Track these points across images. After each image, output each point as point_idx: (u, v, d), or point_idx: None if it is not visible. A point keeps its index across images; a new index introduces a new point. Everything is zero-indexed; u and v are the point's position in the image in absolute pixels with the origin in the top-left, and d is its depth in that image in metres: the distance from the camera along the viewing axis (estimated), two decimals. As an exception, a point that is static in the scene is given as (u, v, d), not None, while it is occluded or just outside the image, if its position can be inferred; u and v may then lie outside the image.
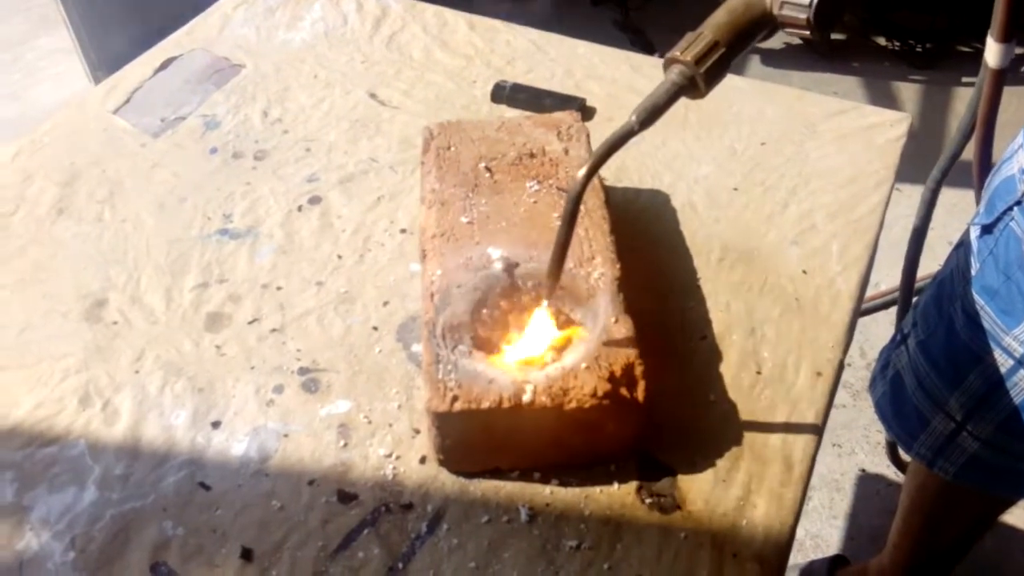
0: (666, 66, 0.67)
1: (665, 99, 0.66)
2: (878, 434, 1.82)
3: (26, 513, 0.72)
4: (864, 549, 1.62)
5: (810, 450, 0.76)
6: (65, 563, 0.68)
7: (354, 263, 0.93)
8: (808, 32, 0.67)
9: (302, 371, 0.82)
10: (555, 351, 0.74)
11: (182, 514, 0.71)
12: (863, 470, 1.79)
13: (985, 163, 1.09)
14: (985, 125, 1.06)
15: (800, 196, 1.00)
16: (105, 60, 2.56)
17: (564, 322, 0.77)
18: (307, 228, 0.97)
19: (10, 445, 0.76)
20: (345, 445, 0.76)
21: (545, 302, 0.75)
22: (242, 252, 0.94)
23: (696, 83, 0.66)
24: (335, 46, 1.25)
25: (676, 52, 0.66)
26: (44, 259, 0.94)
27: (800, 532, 1.67)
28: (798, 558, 1.64)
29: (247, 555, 0.68)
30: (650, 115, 0.66)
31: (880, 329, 1.90)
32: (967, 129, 1.08)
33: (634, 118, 0.66)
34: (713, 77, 0.66)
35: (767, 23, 0.68)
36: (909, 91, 2.71)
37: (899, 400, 1.09)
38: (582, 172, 0.67)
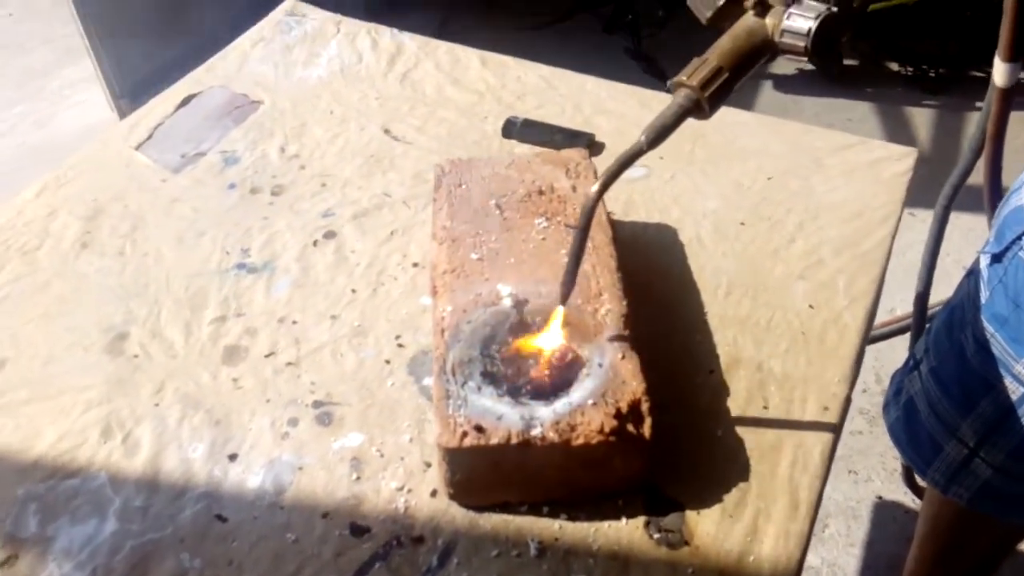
0: (673, 89, 0.71)
1: (672, 120, 0.70)
2: (894, 461, 1.81)
3: (49, 544, 0.74)
4: (881, 578, 1.61)
5: (817, 486, 0.77)
6: (86, 594, 0.70)
7: (367, 297, 0.95)
8: (806, 59, 0.70)
9: (316, 404, 0.84)
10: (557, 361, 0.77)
11: (199, 546, 0.73)
12: (880, 497, 1.78)
13: (996, 179, 1.10)
14: (994, 142, 1.07)
15: (807, 230, 1.01)
16: (127, 89, 2.63)
17: (571, 359, 0.78)
18: (322, 262, 0.99)
19: (34, 477, 0.79)
20: (358, 478, 0.78)
21: (560, 307, 0.78)
22: (259, 286, 0.96)
23: (701, 106, 0.70)
24: (350, 83, 1.28)
25: (683, 77, 0.70)
26: (68, 292, 0.96)
27: (816, 560, 1.66)
28: (814, 586, 1.63)
29: (262, 587, 0.70)
30: (658, 135, 0.70)
31: (895, 355, 1.89)
32: (977, 146, 1.09)
33: (643, 138, 0.70)
34: (717, 100, 0.70)
35: (768, 50, 0.72)
36: (922, 116, 2.72)
37: (912, 426, 1.10)
38: (594, 188, 0.71)
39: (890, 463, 1.83)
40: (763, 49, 0.71)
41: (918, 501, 1.68)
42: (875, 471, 1.83)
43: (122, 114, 2.36)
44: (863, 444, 1.87)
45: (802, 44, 0.70)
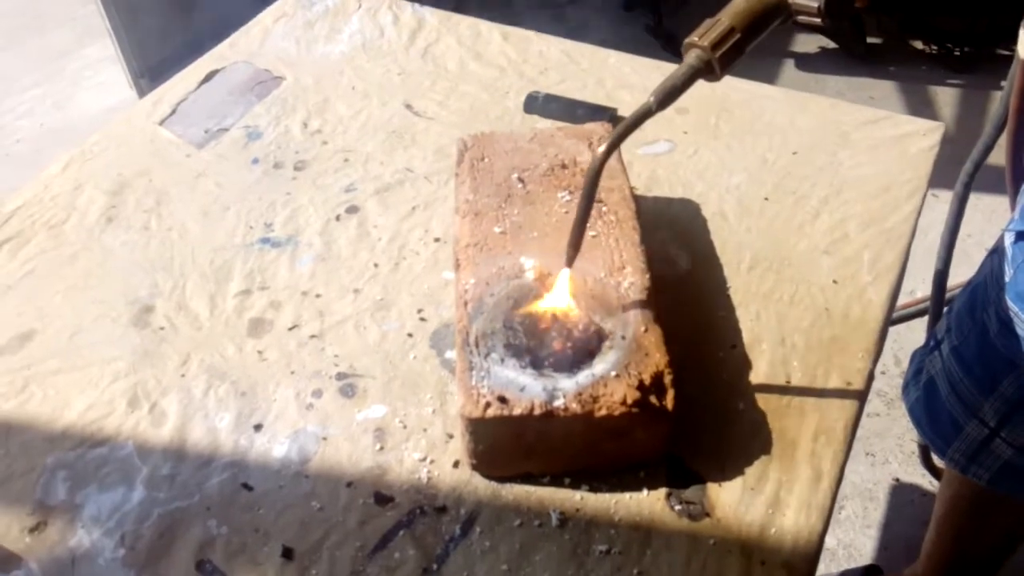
0: (684, 50, 0.70)
1: (682, 81, 0.70)
2: (912, 443, 1.80)
3: (78, 511, 0.75)
4: (898, 559, 1.60)
5: (840, 459, 0.77)
6: (115, 559, 0.71)
7: (390, 271, 0.95)
8: (820, 20, 0.69)
9: (340, 376, 0.85)
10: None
11: (226, 514, 0.74)
12: (897, 479, 1.77)
13: (1019, 154, 1.09)
14: (1017, 117, 1.05)
15: (832, 205, 1.00)
16: (147, 69, 2.64)
17: (594, 331, 0.78)
18: (345, 237, 1.00)
19: (63, 445, 0.80)
20: (381, 449, 0.78)
21: (566, 270, 0.78)
22: (283, 260, 0.97)
23: (712, 67, 0.69)
24: (372, 58, 1.28)
25: (694, 37, 0.69)
26: (94, 266, 0.98)
27: (833, 541, 1.66)
28: (831, 568, 1.62)
29: (288, 554, 0.71)
30: (667, 96, 0.69)
31: (915, 336, 1.88)
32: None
33: (652, 99, 0.70)
34: (728, 61, 0.69)
35: (781, 10, 0.71)
36: (946, 95, 2.68)
37: (933, 406, 1.09)
38: (601, 148, 0.70)
39: (908, 446, 1.82)
40: (777, 9, 0.71)
41: (936, 483, 1.68)
42: (892, 453, 1.82)
43: (142, 94, 2.37)
44: (881, 426, 1.86)
45: (815, 3, 0.69)
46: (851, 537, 1.68)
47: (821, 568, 1.61)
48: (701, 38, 0.69)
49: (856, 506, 1.73)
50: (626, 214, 0.86)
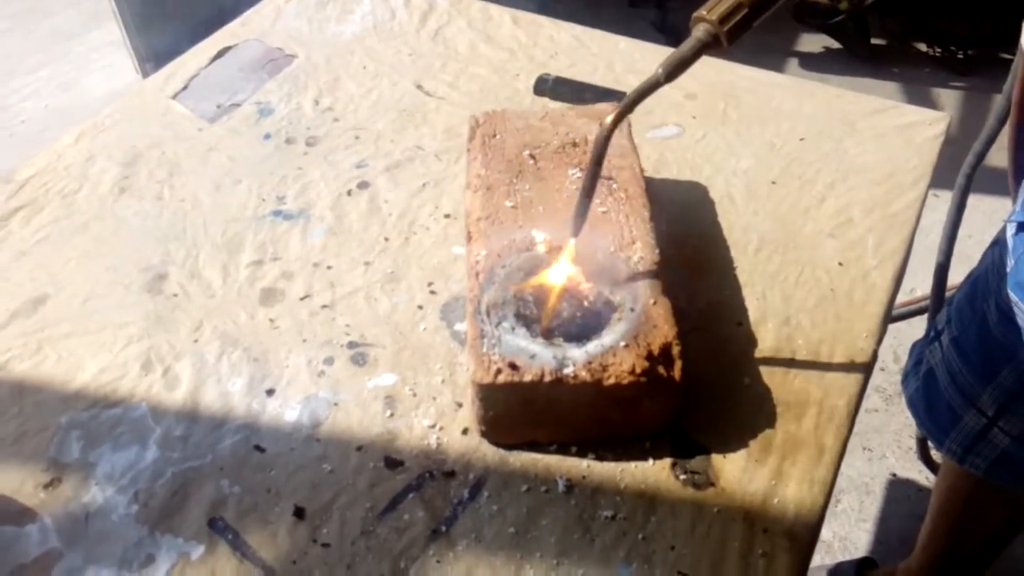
0: (693, 24, 0.71)
1: (690, 54, 0.71)
2: (909, 439, 1.81)
3: (92, 469, 0.76)
4: (893, 553, 1.62)
5: (842, 435, 0.78)
6: (129, 515, 0.72)
7: (400, 245, 0.96)
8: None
9: (351, 345, 0.86)
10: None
11: (238, 474, 0.75)
12: (894, 474, 1.78)
13: (1021, 146, 1.09)
14: (1020, 108, 1.06)
15: (838, 191, 1.02)
16: (152, 53, 2.64)
17: (603, 303, 0.79)
18: (356, 211, 1.01)
19: (76, 406, 0.81)
20: (391, 415, 0.79)
21: (572, 239, 0.79)
22: (295, 232, 0.98)
23: (720, 40, 0.70)
24: (383, 39, 1.29)
25: (703, 11, 0.70)
26: (107, 234, 0.98)
27: (829, 534, 1.67)
28: (827, 560, 1.64)
29: (299, 513, 0.72)
30: (675, 68, 0.71)
31: (914, 333, 1.88)
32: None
33: (660, 70, 0.71)
34: (735, 35, 0.70)
35: None
36: (949, 97, 2.69)
37: (931, 396, 1.10)
38: (609, 118, 0.72)
39: (905, 441, 1.83)
40: None
41: (932, 478, 1.69)
42: (890, 448, 1.83)
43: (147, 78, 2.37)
44: (879, 422, 1.87)
45: None
46: (847, 530, 1.69)
47: (816, 560, 1.63)
48: (709, 12, 0.70)
49: (852, 500, 1.74)
50: (636, 191, 0.88)
